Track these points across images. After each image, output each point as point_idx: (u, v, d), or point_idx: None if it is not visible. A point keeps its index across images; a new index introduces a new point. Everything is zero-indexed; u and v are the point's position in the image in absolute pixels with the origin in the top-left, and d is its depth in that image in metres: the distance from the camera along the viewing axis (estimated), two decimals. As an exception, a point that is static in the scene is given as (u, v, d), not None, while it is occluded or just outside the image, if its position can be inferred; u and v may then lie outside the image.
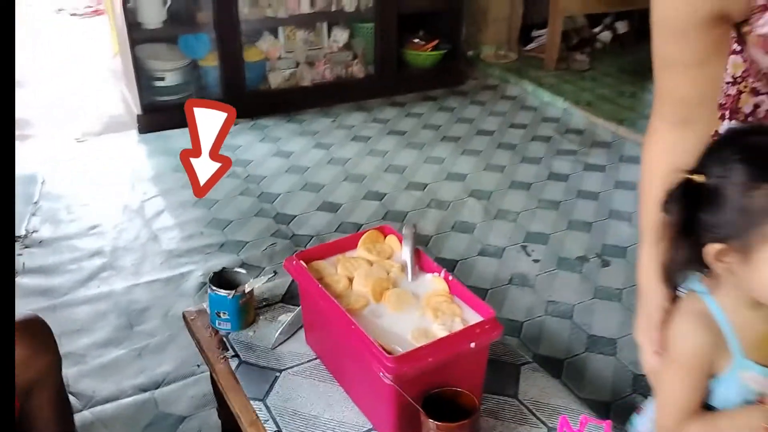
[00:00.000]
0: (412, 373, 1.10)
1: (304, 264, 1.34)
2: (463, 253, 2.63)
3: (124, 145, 3.50)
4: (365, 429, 1.24)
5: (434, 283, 1.33)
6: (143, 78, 3.54)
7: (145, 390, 1.99)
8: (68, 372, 2.01)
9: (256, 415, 1.26)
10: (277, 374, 1.35)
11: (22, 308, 1.36)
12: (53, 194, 3.00)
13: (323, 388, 1.32)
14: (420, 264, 1.38)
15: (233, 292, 1.40)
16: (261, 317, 1.51)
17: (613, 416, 1.85)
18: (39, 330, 1.41)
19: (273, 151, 3.43)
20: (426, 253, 1.40)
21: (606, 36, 4.87)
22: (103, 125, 3.69)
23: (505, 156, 3.42)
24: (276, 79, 3.82)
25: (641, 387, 1.97)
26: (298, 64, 3.88)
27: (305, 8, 3.76)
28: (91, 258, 2.58)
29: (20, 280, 2.44)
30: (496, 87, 4.29)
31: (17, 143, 3.48)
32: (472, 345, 1.15)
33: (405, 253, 1.37)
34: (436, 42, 4.15)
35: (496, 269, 2.55)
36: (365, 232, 1.44)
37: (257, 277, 1.50)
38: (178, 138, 3.51)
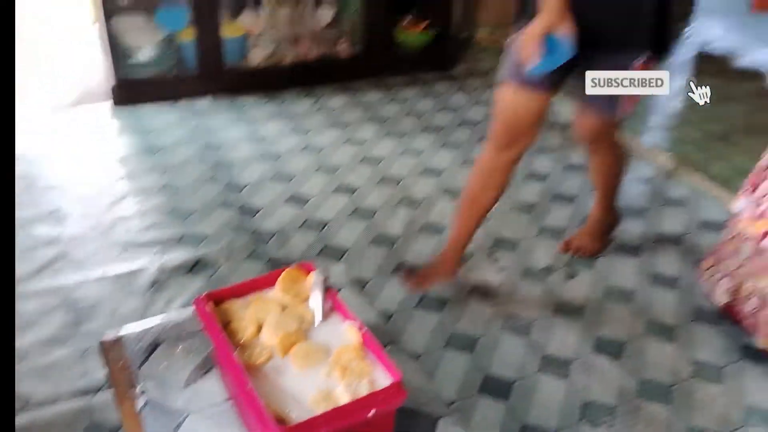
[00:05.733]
0: (302, 445, 1.05)
1: (213, 306, 1.27)
2: (429, 257, 2.55)
3: (98, 119, 3.39)
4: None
5: (348, 334, 1.26)
6: (118, 51, 3.43)
7: (85, 393, 1.94)
8: (6, 372, 1.98)
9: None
10: (182, 419, 1.29)
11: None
12: (16, 172, 2.92)
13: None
14: (336, 309, 1.30)
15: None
16: (181, 346, 1.44)
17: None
18: None
19: (247, 134, 3.32)
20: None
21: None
22: (80, 95, 3.59)
23: (487, 150, 3.30)
24: (256, 57, 3.69)
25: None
26: (280, 42, 3.75)
27: (289, -18, 3.62)
28: (47, 247, 2.52)
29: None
30: (487, 73, 4.13)
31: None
32: (371, 414, 1.09)
33: (314, 301, 1.30)
34: (427, 22, 3.99)
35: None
36: (285, 269, 1.36)
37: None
38: (152, 116, 3.42)
